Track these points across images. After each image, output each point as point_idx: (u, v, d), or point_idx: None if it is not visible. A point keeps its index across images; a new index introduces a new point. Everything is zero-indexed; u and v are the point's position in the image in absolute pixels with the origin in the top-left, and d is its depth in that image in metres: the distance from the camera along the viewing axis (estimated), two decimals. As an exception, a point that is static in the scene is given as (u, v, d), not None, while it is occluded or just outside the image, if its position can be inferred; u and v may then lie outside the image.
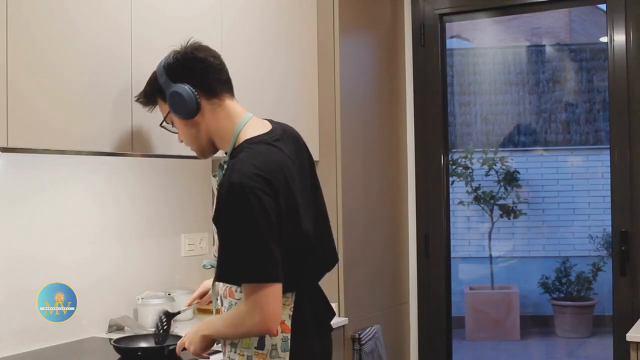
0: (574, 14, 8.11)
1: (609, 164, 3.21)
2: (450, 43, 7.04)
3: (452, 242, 3.71)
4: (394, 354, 3.43)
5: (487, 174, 7.09)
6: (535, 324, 7.00)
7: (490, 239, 7.22)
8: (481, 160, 7.13)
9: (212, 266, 2.08)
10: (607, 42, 3.19)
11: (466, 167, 7.08)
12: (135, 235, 2.74)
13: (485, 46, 8.01)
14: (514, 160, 7.32)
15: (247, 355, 1.86)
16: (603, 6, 3.29)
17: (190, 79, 1.90)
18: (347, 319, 3.01)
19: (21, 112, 1.86)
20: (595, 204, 7.30)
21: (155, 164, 2.78)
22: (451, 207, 3.83)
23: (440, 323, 3.57)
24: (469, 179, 7.07)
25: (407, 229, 3.60)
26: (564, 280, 6.99)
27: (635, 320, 2.86)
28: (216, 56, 1.96)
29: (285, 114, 2.57)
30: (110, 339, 2.30)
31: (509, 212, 7.09)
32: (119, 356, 2.20)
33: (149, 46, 2.24)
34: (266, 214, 1.74)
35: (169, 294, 2.73)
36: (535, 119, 7.94)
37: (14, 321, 2.29)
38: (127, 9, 2.18)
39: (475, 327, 6.78)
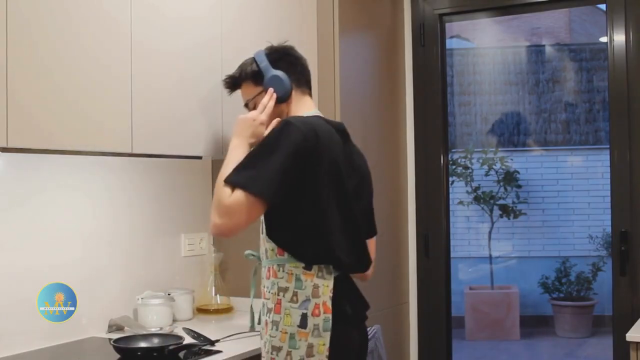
0: (573, 14, 8.11)
1: (609, 164, 3.21)
2: (450, 43, 7.05)
3: (452, 242, 3.70)
4: (394, 354, 3.43)
5: (487, 174, 7.09)
6: (535, 324, 7.00)
7: (490, 239, 7.22)
8: (481, 160, 7.13)
9: (254, 255, 2.19)
10: (607, 42, 3.18)
11: (466, 167, 7.09)
12: (135, 235, 2.74)
13: (485, 46, 8.02)
14: (514, 160, 7.32)
15: (290, 333, 1.94)
16: (603, 6, 3.28)
17: (288, 69, 2.17)
18: (347, 319, 3.01)
19: (21, 113, 1.86)
20: (595, 204, 7.31)
21: (155, 164, 2.78)
22: (451, 207, 3.83)
23: (440, 323, 3.57)
24: (468, 179, 7.08)
25: (407, 229, 3.60)
26: (563, 280, 6.99)
27: (635, 320, 2.86)
28: (305, 59, 2.26)
29: (285, 114, 2.56)
30: (110, 339, 2.30)
31: (508, 212, 7.10)
32: (119, 356, 2.20)
33: (149, 46, 2.25)
34: (296, 149, 1.90)
35: (169, 294, 2.73)
36: (535, 119, 7.94)
37: (14, 321, 2.28)
38: (127, 9, 2.18)
39: (475, 327, 6.79)
